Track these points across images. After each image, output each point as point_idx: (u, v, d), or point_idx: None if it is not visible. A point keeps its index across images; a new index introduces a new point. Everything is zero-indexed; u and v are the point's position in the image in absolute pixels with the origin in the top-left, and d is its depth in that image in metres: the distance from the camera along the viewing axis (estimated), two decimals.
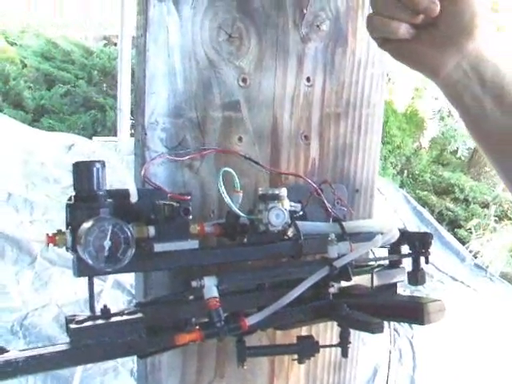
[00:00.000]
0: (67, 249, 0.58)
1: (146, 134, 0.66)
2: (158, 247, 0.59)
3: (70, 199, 0.59)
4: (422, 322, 0.70)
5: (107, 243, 0.54)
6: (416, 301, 0.72)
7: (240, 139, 0.72)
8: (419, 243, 0.76)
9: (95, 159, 0.58)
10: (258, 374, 0.79)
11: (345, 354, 0.70)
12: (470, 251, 4.78)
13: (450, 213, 6.88)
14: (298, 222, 0.70)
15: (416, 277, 0.77)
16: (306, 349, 0.69)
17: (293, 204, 0.69)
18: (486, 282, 4.11)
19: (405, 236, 0.78)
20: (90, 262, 0.53)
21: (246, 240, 0.67)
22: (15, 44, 7.73)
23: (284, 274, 0.66)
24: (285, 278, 0.66)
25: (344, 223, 0.75)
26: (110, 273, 0.56)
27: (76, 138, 4.35)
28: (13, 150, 3.55)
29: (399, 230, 0.78)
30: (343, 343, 0.70)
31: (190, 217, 0.60)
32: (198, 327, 0.60)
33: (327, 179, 0.79)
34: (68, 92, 7.26)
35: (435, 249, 4.11)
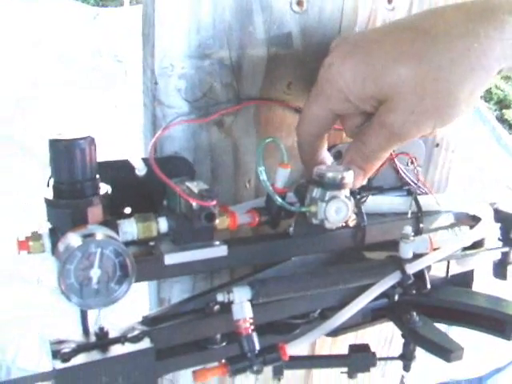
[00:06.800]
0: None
1: (156, 83, 0.46)
2: (170, 258, 0.43)
3: (48, 186, 0.42)
4: (508, 337, 0.54)
5: (95, 272, 0.37)
6: (502, 310, 0.55)
7: (289, 86, 0.52)
8: None
9: (80, 136, 0.39)
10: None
11: (407, 368, 0.56)
12: None
13: (499, 91, 6.44)
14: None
15: (505, 271, 0.59)
16: (361, 362, 0.54)
17: None
18: None
19: (497, 215, 0.59)
20: (72, 299, 0.37)
21: (291, 229, 0.50)
22: None
23: (341, 280, 0.49)
24: (342, 286, 0.50)
25: (420, 198, 0.57)
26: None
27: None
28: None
29: (490, 204, 0.60)
30: (407, 357, 0.55)
31: (217, 221, 0.42)
32: (223, 362, 0.45)
33: None
34: None
35: (492, 152, 3.74)
